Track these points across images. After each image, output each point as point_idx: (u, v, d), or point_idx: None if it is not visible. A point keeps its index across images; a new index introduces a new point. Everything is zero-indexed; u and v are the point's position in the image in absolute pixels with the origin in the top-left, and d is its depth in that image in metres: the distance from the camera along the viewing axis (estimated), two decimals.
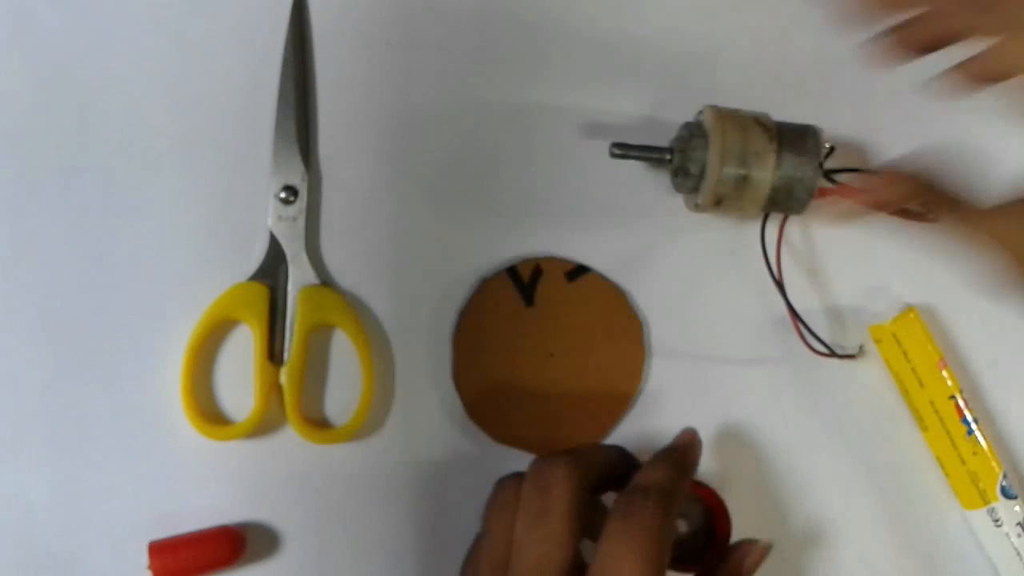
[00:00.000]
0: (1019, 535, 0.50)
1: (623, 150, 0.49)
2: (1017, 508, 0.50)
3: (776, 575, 0.52)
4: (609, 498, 0.43)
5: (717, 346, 0.52)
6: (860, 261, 0.53)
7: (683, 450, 0.46)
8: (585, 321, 0.52)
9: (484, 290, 0.51)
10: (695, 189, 0.49)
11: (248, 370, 0.49)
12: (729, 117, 0.48)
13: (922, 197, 0.44)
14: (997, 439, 0.52)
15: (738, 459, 0.52)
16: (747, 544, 0.46)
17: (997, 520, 0.50)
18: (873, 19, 0.45)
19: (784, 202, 0.48)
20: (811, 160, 0.48)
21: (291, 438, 0.49)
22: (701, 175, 0.48)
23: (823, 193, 0.49)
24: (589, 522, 0.42)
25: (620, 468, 0.45)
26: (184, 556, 0.48)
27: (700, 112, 0.50)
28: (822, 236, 0.53)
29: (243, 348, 0.50)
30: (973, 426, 0.50)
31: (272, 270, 0.50)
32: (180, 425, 0.49)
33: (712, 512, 0.47)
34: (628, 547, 0.40)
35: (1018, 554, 0.50)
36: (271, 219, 0.50)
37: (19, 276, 0.50)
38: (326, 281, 0.51)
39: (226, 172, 0.51)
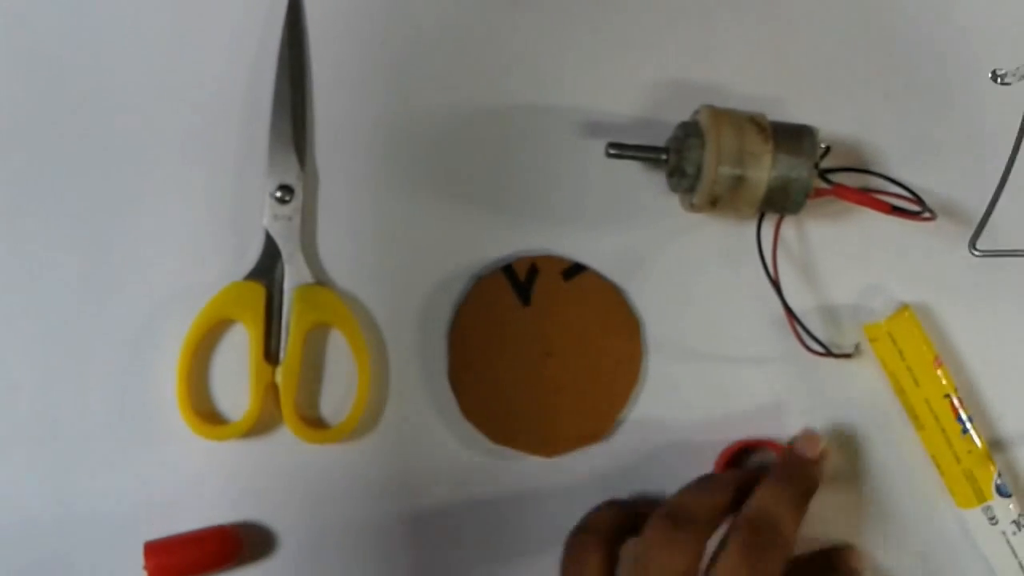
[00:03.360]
0: (1015, 532, 0.50)
1: (619, 150, 0.49)
2: (1012, 506, 0.50)
3: None
4: None
5: (714, 345, 0.52)
6: (855, 260, 0.53)
7: (807, 470, 0.49)
8: (582, 320, 0.52)
9: (480, 289, 0.51)
10: (691, 189, 0.49)
11: (244, 370, 0.49)
12: (725, 117, 0.48)
13: None
14: (992, 437, 0.52)
15: None
16: (808, 435, 0.50)
17: (993, 518, 0.50)
18: None
19: (780, 202, 0.48)
20: (807, 160, 0.48)
21: (287, 438, 0.49)
22: (697, 175, 0.48)
23: (819, 193, 0.49)
24: None
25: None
26: (180, 556, 0.48)
27: (696, 111, 0.50)
28: (818, 235, 0.53)
29: (239, 347, 0.50)
30: (968, 425, 0.50)
31: (268, 269, 0.50)
32: (176, 425, 0.49)
33: None
34: None
35: (1014, 552, 0.50)
36: (267, 218, 0.50)
37: (15, 275, 0.50)
38: (321, 280, 0.50)
39: (222, 171, 0.51)
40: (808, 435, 0.50)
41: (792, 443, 0.51)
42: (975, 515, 0.51)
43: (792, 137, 0.48)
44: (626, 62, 0.53)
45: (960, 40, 0.55)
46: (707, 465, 0.52)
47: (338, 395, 0.50)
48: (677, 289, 0.53)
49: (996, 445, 0.52)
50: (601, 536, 0.47)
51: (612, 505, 0.50)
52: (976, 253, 0.51)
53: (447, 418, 0.51)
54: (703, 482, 0.48)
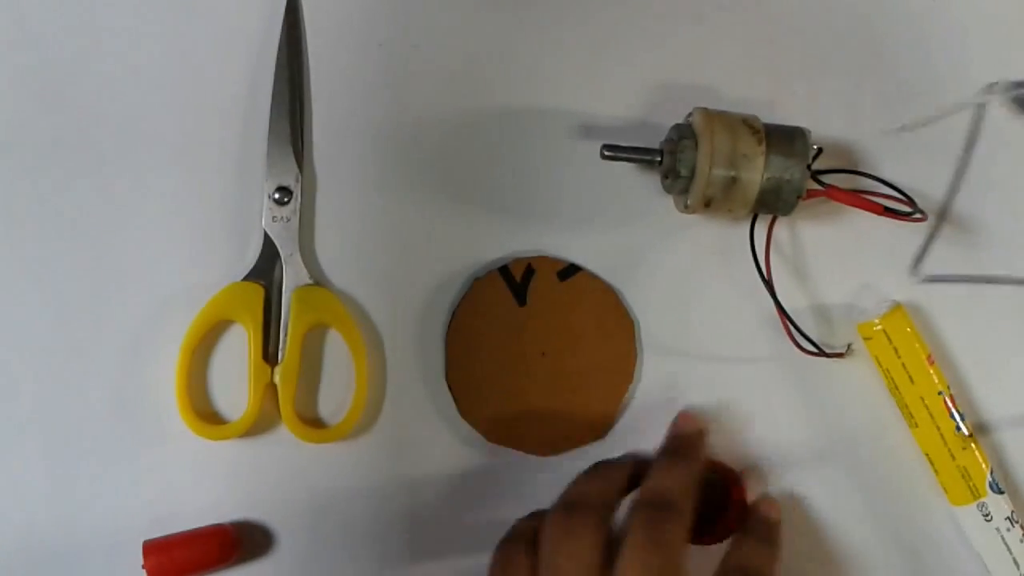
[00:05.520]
0: (1008, 529, 0.50)
1: (614, 151, 0.50)
2: (1005, 503, 0.50)
3: None
4: None
5: (708, 345, 0.53)
6: (847, 260, 0.54)
7: (691, 444, 0.49)
8: (577, 320, 0.52)
9: (477, 289, 0.52)
10: (685, 190, 0.49)
11: (242, 370, 0.49)
12: (718, 119, 0.49)
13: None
14: (984, 434, 0.53)
15: (728, 457, 0.52)
16: (768, 500, 0.51)
17: (987, 515, 0.50)
18: None
19: (772, 203, 0.49)
20: (799, 162, 0.48)
21: (285, 437, 0.50)
22: (691, 177, 0.49)
23: (812, 194, 0.49)
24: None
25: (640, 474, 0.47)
26: (178, 555, 0.48)
27: (690, 114, 0.50)
28: (810, 236, 0.54)
29: (238, 348, 0.50)
30: (961, 422, 0.50)
31: (266, 270, 0.50)
32: (175, 424, 0.49)
33: (725, 483, 0.50)
34: (651, 564, 0.42)
35: (1008, 548, 0.50)
36: (265, 219, 0.51)
37: (16, 277, 0.50)
38: (320, 281, 0.51)
39: (220, 173, 0.51)
40: (684, 414, 0.51)
41: (673, 423, 0.51)
42: (969, 512, 0.51)
43: (785, 139, 0.49)
44: (621, 65, 0.54)
45: (950, 42, 0.55)
46: None
47: (336, 395, 0.51)
48: (671, 290, 0.53)
49: (988, 442, 0.53)
50: (529, 542, 0.46)
51: (536, 515, 0.49)
52: (919, 280, 0.52)
53: (444, 418, 0.51)
54: (595, 468, 0.48)
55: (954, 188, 0.54)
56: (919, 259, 0.53)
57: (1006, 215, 0.54)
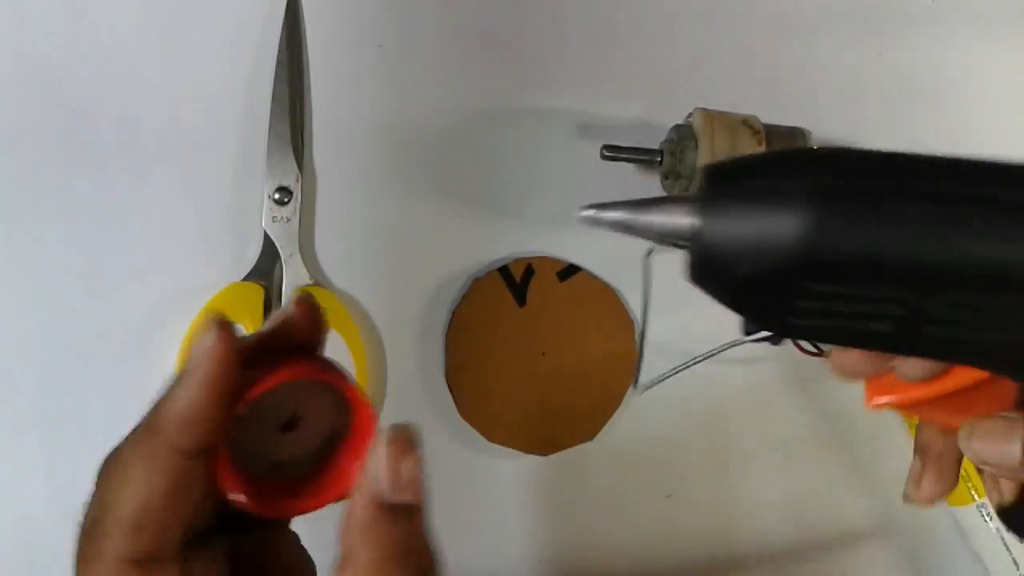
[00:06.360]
0: (1008, 529, 0.50)
1: (614, 152, 0.50)
2: None
3: (765, 573, 0.52)
4: None
5: (707, 346, 0.53)
6: None
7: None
8: (577, 320, 0.52)
9: (476, 290, 0.52)
10: (685, 191, 0.49)
11: None
12: (718, 119, 0.49)
13: None
14: None
15: (728, 457, 0.52)
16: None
17: (987, 515, 0.50)
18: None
19: None
20: None
21: None
22: (691, 177, 0.49)
23: None
24: None
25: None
26: None
27: (690, 114, 0.50)
28: None
29: None
30: None
31: (267, 270, 0.50)
32: None
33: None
34: None
35: (1008, 548, 0.50)
36: (265, 220, 0.51)
37: (16, 276, 0.50)
38: (320, 281, 0.51)
39: (221, 173, 0.51)
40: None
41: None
42: (969, 512, 0.51)
43: (785, 139, 0.49)
44: (621, 65, 0.54)
45: (949, 45, 0.55)
46: (703, 461, 0.52)
47: None
48: (671, 289, 0.53)
49: None
50: None
51: None
52: (640, 391, 0.51)
53: (444, 417, 0.51)
54: None
55: None
56: (636, 377, 0.53)
57: None
